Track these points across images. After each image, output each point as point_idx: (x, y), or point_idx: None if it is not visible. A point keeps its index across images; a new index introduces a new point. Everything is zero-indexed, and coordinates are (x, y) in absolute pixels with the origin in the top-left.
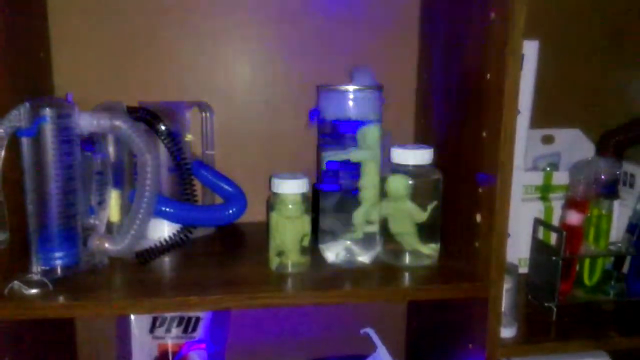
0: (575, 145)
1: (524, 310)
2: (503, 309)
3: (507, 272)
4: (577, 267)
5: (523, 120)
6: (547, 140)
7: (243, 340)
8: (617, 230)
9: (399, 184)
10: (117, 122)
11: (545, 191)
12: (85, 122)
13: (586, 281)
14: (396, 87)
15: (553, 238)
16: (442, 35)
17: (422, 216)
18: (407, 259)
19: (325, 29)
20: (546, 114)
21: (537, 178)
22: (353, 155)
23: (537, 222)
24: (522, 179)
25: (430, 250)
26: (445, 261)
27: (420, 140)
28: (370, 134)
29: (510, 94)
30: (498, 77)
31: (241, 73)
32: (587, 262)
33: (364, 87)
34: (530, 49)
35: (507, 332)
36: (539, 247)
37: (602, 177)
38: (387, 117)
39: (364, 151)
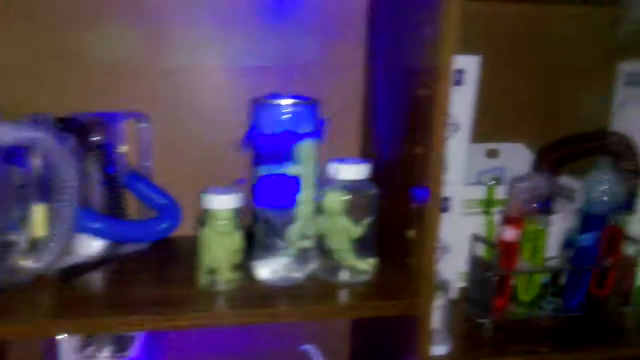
0: (519, 159)
1: (462, 326)
2: (435, 326)
3: (439, 289)
4: (514, 283)
5: (463, 135)
6: (492, 154)
7: (184, 357)
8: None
9: (334, 200)
10: (35, 134)
11: (488, 205)
12: (3, 134)
13: (522, 297)
14: (342, 101)
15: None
16: (384, 51)
17: (357, 232)
18: (344, 275)
19: (269, 42)
20: (491, 129)
21: (479, 192)
22: (288, 170)
23: (474, 237)
24: (464, 193)
25: (367, 265)
26: (382, 277)
27: (365, 155)
28: (306, 148)
29: (441, 110)
30: (429, 93)
31: (181, 84)
32: (523, 278)
33: (300, 102)
34: (471, 64)
35: (439, 350)
36: (474, 263)
37: (538, 192)
38: (333, 132)
39: (300, 166)
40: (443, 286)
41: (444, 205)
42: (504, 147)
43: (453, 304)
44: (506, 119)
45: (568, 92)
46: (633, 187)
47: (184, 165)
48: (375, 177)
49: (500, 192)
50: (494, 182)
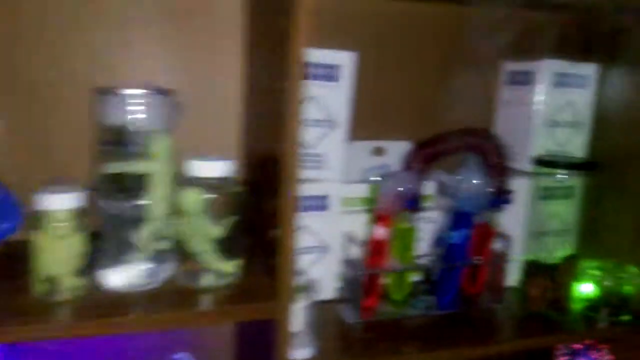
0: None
1: (333, 328)
2: (298, 329)
3: (302, 290)
4: (386, 282)
5: (340, 132)
6: (378, 152)
7: None
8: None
9: (192, 199)
10: None
11: (370, 203)
12: None
13: (394, 296)
14: (221, 98)
15: None
16: (256, 42)
17: (218, 232)
18: (207, 279)
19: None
20: (377, 126)
21: (361, 190)
22: (137, 166)
23: (348, 236)
24: (344, 191)
25: (231, 268)
26: (247, 280)
27: (241, 153)
28: (158, 143)
29: (294, 105)
30: (283, 87)
31: (22, 74)
32: (394, 276)
33: (151, 92)
34: (346, 60)
35: (302, 353)
36: (346, 262)
37: (407, 190)
38: (211, 130)
39: (151, 162)
40: (306, 287)
41: (322, 204)
42: (390, 145)
43: (329, 305)
44: (392, 117)
45: (455, 91)
46: (501, 184)
47: (25, 162)
48: (247, 175)
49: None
50: (377, 179)
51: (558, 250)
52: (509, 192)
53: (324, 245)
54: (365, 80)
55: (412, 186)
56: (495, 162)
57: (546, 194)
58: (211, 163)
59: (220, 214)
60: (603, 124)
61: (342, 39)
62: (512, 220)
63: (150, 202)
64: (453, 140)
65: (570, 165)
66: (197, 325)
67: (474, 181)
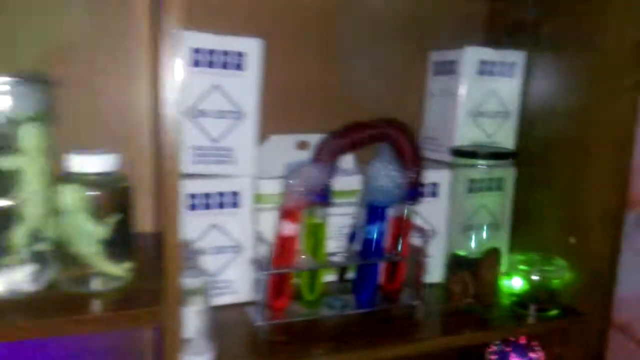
0: None
1: (241, 331)
2: (193, 335)
3: (197, 293)
4: (299, 281)
5: (249, 124)
6: (302, 146)
7: None
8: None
9: (72, 197)
10: None
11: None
12: None
13: (307, 296)
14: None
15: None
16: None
17: (102, 232)
18: (94, 283)
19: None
20: (301, 119)
21: (275, 186)
22: (4, 161)
23: (257, 234)
24: (257, 187)
25: (120, 271)
26: (140, 284)
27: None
28: (28, 136)
29: (169, 90)
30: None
31: None
32: (305, 275)
33: (18, 79)
34: (252, 47)
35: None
36: (253, 262)
37: (315, 183)
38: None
39: (21, 157)
40: (202, 290)
41: (233, 201)
42: (315, 139)
43: (243, 307)
44: (316, 109)
45: (382, 83)
46: (416, 176)
47: None
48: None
49: None
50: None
51: (486, 244)
52: (422, 184)
53: (237, 244)
54: (282, 70)
55: (321, 179)
56: (408, 153)
57: (473, 187)
58: (93, 157)
59: (106, 211)
60: (532, 113)
61: (249, 25)
62: (436, 214)
63: (23, 200)
64: (362, 131)
65: (489, 155)
66: (78, 333)
67: (386, 173)
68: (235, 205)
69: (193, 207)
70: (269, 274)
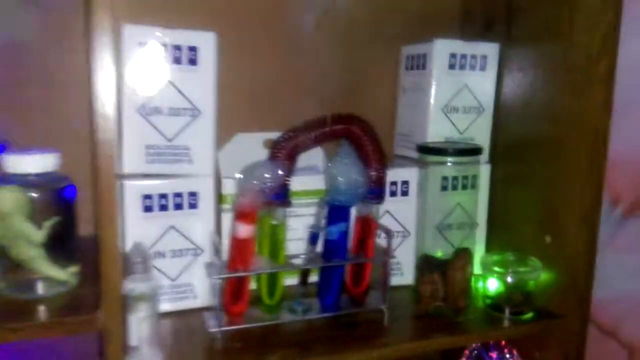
0: None
1: (195, 338)
2: (139, 342)
3: (143, 299)
4: (258, 285)
5: (205, 121)
6: (270, 144)
7: None
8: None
9: (9, 198)
10: None
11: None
12: None
13: (266, 300)
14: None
15: None
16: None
17: (41, 235)
18: (38, 288)
19: None
20: (270, 117)
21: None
22: None
23: (213, 236)
24: (223, 187)
25: (66, 275)
26: (87, 288)
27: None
28: None
29: (101, 83)
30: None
31: None
32: (264, 278)
33: None
34: (205, 41)
35: None
36: (208, 266)
37: (272, 182)
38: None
39: None
40: (148, 295)
41: (192, 202)
42: None
43: (200, 312)
44: (285, 107)
45: (354, 79)
46: (378, 174)
47: None
48: None
49: None
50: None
51: (460, 245)
52: (385, 183)
53: (196, 247)
54: (249, 66)
55: (278, 178)
56: (370, 150)
57: (445, 184)
58: (30, 157)
59: (45, 214)
60: (507, 108)
61: (209, 18)
62: (407, 213)
63: None
64: (322, 128)
65: (457, 151)
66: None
67: (346, 171)
68: (194, 206)
69: (149, 208)
70: (223, 278)
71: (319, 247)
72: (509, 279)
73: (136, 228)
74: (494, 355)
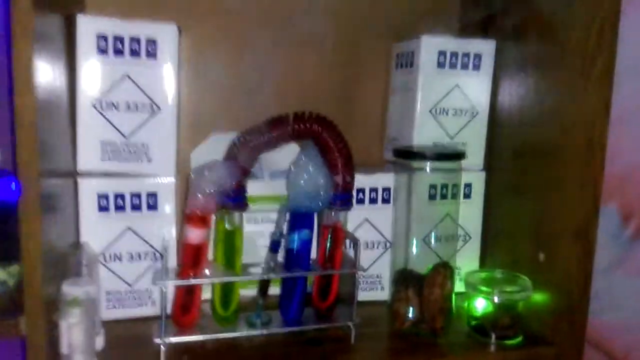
0: (287, 149)
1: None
2: (67, 351)
3: (77, 304)
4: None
5: (166, 117)
6: None
7: None
8: None
9: None
10: None
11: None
12: None
13: (220, 311)
14: None
15: None
16: None
17: None
18: None
19: None
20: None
21: None
22: None
23: (164, 242)
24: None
25: (5, 274)
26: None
27: None
28: None
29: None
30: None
31: None
32: (217, 287)
33: None
34: (165, 34)
35: None
36: (155, 273)
37: (226, 184)
38: None
39: None
40: (81, 301)
41: (151, 203)
42: None
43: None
44: (264, 107)
45: (341, 78)
46: (345, 178)
47: None
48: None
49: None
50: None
51: (447, 259)
52: (351, 188)
53: (155, 251)
54: (227, 64)
55: (233, 180)
56: (335, 152)
57: (433, 193)
58: None
59: None
60: (504, 112)
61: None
62: (388, 223)
63: None
64: (283, 127)
65: (434, 155)
66: None
67: (309, 174)
68: (153, 207)
69: (104, 208)
70: (168, 285)
71: (281, 257)
72: (496, 299)
73: (91, 228)
74: None
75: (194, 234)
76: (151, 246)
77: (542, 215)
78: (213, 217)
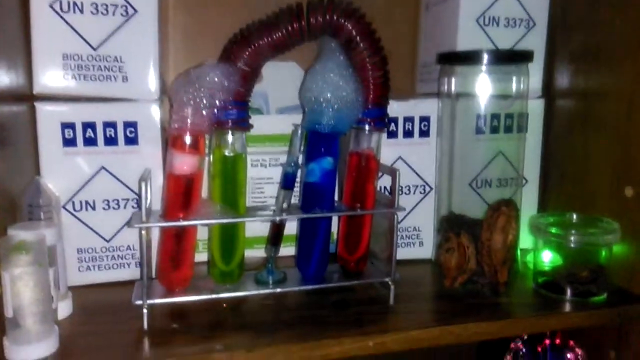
0: (289, 80)
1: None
2: (11, 313)
3: (18, 249)
4: (209, 244)
5: (146, 22)
6: None
7: None
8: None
9: None
10: None
11: None
12: None
13: (220, 265)
14: None
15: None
16: None
17: None
18: None
19: None
20: None
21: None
22: None
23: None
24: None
25: None
26: None
27: None
28: None
29: None
30: None
31: None
32: (217, 235)
33: None
34: None
35: (28, 351)
36: (134, 215)
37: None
38: None
39: None
40: (25, 246)
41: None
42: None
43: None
44: None
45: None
46: (379, 90)
47: None
48: None
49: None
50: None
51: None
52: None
53: (136, 196)
54: None
55: (233, 86)
56: (363, 52)
57: (480, 125)
58: None
59: None
60: (569, 22)
61: None
62: (427, 161)
63: None
64: (299, 22)
65: (492, 56)
66: None
67: (335, 83)
68: (132, 141)
69: (70, 142)
70: (149, 227)
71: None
72: (572, 245)
73: (54, 168)
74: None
75: (182, 162)
76: (132, 191)
77: (626, 144)
78: (207, 145)
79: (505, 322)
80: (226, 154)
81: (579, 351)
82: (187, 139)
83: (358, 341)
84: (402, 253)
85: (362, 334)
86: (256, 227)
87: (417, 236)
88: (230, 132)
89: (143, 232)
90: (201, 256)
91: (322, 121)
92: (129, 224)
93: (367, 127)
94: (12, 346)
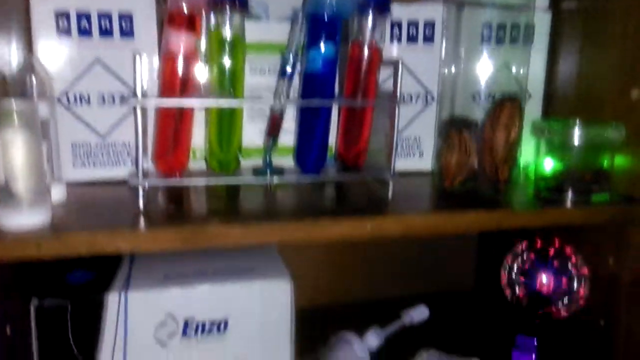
0: None
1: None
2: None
3: (7, 117)
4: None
5: None
6: None
7: None
8: None
9: None
10: None
11: None
12: None
13: (216, 151)
14: None
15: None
16: None
17: None
18: None
19: None
20: None
21: None
22: None
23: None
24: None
25: None
26: None
27: None
28: None
29: None
30: None
31: None
32: (214, 119)
33: None
34: None
35: (21, 219)
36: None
37: None
38: None
39: None
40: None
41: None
42: None
43: None
44: None
45: None
46: None
47: None
48: None
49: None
50: None
51: None
52: None
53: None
54: None
55: None
56: None
57: (488, 34)
58: None
59: None
60: None
61: None
62: (430, 69)
63: None
64: None
65: None
66: None
67: None
68: (127, 33)
69: (65, 31)
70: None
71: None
72: (575, 143)
73: (49, 57)
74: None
75: (179, 40)
76: (127, 85)
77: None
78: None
79: (505, 213)
80: (224, 36)
81: (578, 257)
82: (185, 12)
83: (356, 223)
84: (401, 163)
85: (361, 217)
86: (255, 138)
87: (417, 146)
88: (228, 11)
89: (138, 108)
90: (198, 164)
91: (323, 5)
92: (123, 101)
93: (368, 12)
94: (5, 213)
